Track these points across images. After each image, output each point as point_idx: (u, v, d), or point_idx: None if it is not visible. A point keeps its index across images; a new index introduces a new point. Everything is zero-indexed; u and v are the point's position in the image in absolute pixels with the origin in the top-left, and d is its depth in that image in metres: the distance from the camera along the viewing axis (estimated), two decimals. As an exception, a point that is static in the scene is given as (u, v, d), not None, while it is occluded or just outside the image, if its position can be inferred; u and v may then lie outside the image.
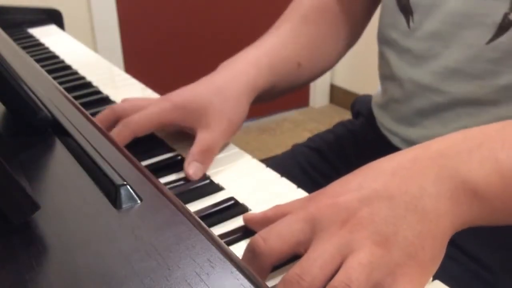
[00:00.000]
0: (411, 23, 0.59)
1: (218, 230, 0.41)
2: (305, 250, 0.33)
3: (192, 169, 0.49)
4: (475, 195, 0.34)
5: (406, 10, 0.59)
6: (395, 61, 0.63)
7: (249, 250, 0.35)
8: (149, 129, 0.54)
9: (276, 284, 0.35)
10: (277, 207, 0.40)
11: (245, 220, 0.41)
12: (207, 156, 0.50)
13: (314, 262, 0.31)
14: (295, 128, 2.39)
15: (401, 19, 0.60)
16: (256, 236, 0.35)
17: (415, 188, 0.34)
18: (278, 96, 0.67)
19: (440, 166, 0.34)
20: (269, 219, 0.38)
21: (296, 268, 0.32)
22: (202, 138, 0.51)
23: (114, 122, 0.55)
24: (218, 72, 0.58)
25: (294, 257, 0.35)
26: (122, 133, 0.52)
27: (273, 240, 0.34)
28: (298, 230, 0.34)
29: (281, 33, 0.65)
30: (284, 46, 0.64)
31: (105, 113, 0.56)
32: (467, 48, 0.54)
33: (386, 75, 0.67)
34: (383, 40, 0.66)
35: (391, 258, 0.31)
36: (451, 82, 0.56)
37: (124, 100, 0.59)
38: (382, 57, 0.68)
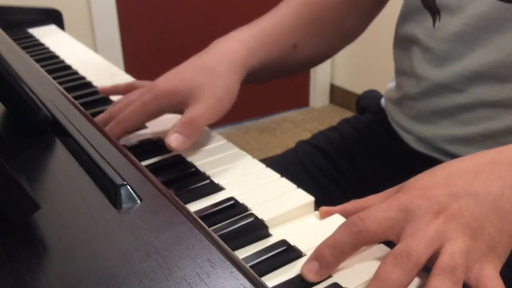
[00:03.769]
0: (437, 23, 0.58)
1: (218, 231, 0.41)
2: (397, 237, 0.36)
3: (174, 141, 0.48)
4: None
5: (433, 9, 0.59)
6: (416, 58, 0.62)
7: (346, 226, 0.37)
8: (138, 123, 0.54)
9: (276, 285, 0.35)
10: (354, 202, 0.42)
11: (322, 213, 0.43)
12: (191, 128, 0.50)
13: (420, 242, 0.34)
14: (295, 128, 2.39)
15: (427, 17, 0.59)
16: (354, 215, 0.37)
17: (497, 190, 0.37)
18: (273, 77, 0.67)
19: None
20: (348, 213, 0.41)
21: (402, 246, 0.34)
22: (188, 112, 0.51)
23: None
24: (208, 51, 0.58)
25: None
26: (113, 130, 0.52)
27: (370, 221, 0.36)
28: (392, 217, 0.36)
29: (279, 13, 0.65)
30: (280, 26, 0.63)
31: (102, 116, 0.56)
32: (493, 52, 0.54)
33: (404, 70, 0.66)
34: (405, 36, 0.65)
35: (478, 248, 0.35)
36: (472, 84, 0.56)
37: (118, 100, 0.59)
38: (401, 52, 0.67)
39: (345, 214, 0.42)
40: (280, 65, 0.64)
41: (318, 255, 0.36)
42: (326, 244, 0.36)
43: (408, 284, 0.34)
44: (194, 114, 0.51)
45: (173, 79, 0.54)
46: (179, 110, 0.54)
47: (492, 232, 0.36)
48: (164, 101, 0.53)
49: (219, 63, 0.55)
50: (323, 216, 0.43)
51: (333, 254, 0.35)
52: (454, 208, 0.36)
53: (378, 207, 0.37)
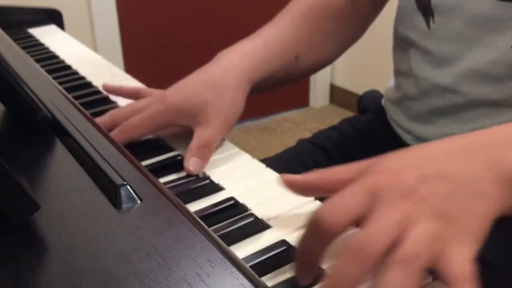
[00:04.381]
0: (431, 24, 0.58)
1: (217, 230, 0.41)
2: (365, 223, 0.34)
3: (192, 165, 0.49)
4: None
5: (426, 11, 0.59)
6: (414, 60, 0.62)
7: (314, 223, 0.35)
8: (145, 133, 0.54)
9: (276, 284, 0.35)
10: (319, 172, 0.41)
11: (284, 181, 0.41)
12: (206, 152, 0.51)
13: (379, 231, 0.33)
14: (295, 128, 2.39)
15: (420, 19, 0.60)
16: (321, 209, 0.35)
17: (469, 171, 0.36)
18: (275, 87, 0.67)
19: (492, 156, 0.36)
20: (312, 183, 0.40)
21: (360, 236, 0.33)
22: (200, 134, 0.52)
23: (112, 128, 0.55)
24: (213, 64, 0.58)
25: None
26: (118, 138, 0.52)
27: (338, 213, 0.35)
28: (360, 203, 0.35)
29: (280, 25, 0.65)
30: (282, 38, 0.63)
31: (103, 120, 0.56)
32: (491, 50, 0.54)
33: (402, 71, 0.66)
34: (401, 39, 0.65)
35: (448, 231, 0.33)
36: (471, 84, 0.56)
37: (123, 106, 0.58)
38: (399, 53, 0.67)
39: (307, 184, 0.41)
40: (283, 76, 0.65)
41: (297, 258, 0.35)
42: (298, 251, 0.35)
43: (366, 274, 0.32)
44: (206, 136, 0.52)
45: (182, 93, 0.55)
46: (185, 125, 0.54)
47: (464, 215, 0.34)
48: (174, 114, 0.53)
49: (225, 78, 0.55)
50: (287, 184, 0.41)
51: (304, 260, 0.35)
52: (423, 192, 0.34)
53: (344, 194, 0.35)
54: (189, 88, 0.55)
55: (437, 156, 0.37)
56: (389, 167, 0.37)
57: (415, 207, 0.34)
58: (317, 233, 0.35)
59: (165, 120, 0.54)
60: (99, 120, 0.56)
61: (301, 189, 0.41)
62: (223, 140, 0.56)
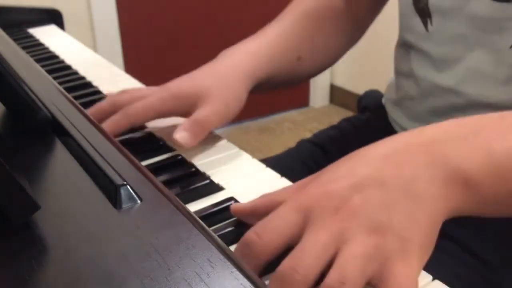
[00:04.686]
0: (429, 26, 0.59)
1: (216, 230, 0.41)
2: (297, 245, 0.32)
3: (179, 134, 0.49)
4: (465, 183, 0.33)
5: (424, 13, 0.59)
6: (415, 62, 0.63)
7: (244, 246, 0.33)
8: (147, 119, 0.54)
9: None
10: (265, 196, 0.38)
11: (233, 211, 0.40)
12: (198, 129, 0.50)
13: (308, 254, 0.30)
14: (295, 128, 2.39)
15: (417, 21, 0.60)
16: (251, 231, 0.33)
17: (408, 172, 0.33)
18: (276, 88, 0.68)
19: (432, 152, 0.34)
20: (258, 209, 0.38)
21: (289, 260, 0.30)
22: (195, 114, 0.51)
23: (112, 113, 0.54)
24: (218, 61, 0.58)
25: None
26: (120, 122, 0.52)
27: (268, 234, 0.33)
28: (292, 222, 0.33)
29: (282, 26, 0.66)
30: (285, 38, 0.64)
31: (102, 105, 0.55)
32: (491, 51, 0.54)
33: (403, 71, 0.67)
34: (402, 40, 0.66)
35: (386, 245, 0.31)
36: (471, 85, 0.56)
37: (123, 92, 0.58)
38: (400, 54, 0.68)
39: (255, 211, 0.38)
40: (285, 77, 0.65)
41: None
42: None
43: None
44: (201, 116, 0.51)
45: (186, 82, 0.55)
46: (188, 113, 0.54)
47: (404, 221, 0.31)
48: (176, 102, 0.53)
49: (229, 72, 0.56)
50: (236, 214, 0.40)
51: None
52: (355, 202, 0.32)
53: (275, 214, 0.33)
54: (193, 80, 0.55)
55: (371, 161, 0.35)
56: (321, 180, 0.35)
57: (347, 221, 0.31)
58: (248, 256, 0.33)
59: (168, 108, 0.53)
60: (98, 105, 0.55)
61: (251, 217, 0.38)
62: (222, 139, 0.56)
